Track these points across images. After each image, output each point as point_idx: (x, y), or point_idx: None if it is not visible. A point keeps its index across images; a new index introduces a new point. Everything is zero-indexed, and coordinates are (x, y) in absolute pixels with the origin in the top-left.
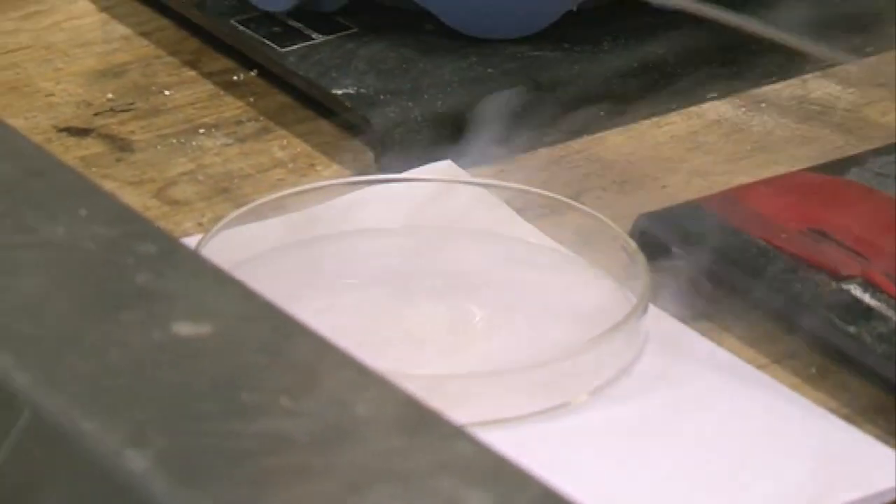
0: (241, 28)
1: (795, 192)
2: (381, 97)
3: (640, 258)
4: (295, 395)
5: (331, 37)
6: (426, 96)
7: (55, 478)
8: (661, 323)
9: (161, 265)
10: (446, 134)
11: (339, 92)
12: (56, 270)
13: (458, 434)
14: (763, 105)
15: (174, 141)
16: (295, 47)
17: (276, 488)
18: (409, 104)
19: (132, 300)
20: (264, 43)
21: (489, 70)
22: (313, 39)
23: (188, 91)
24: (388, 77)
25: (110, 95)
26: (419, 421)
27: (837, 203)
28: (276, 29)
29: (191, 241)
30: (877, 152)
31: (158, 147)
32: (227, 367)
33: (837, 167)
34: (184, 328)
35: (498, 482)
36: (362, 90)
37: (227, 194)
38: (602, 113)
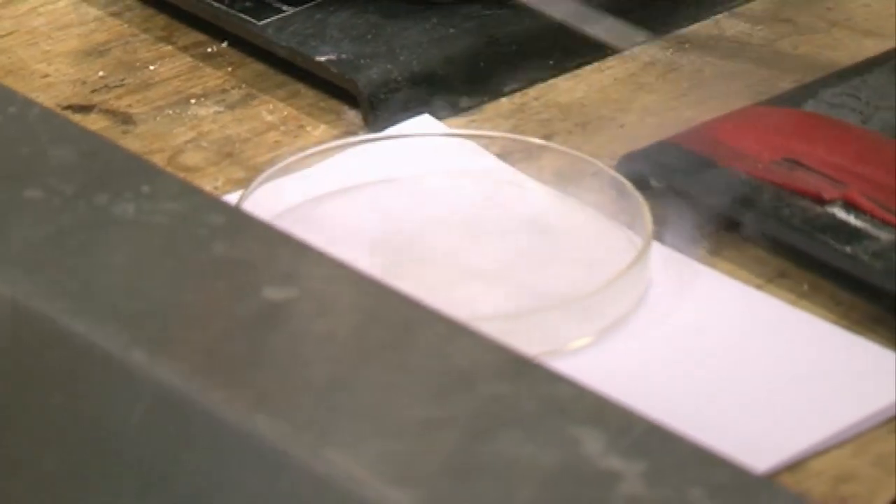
0: (215, 5)
1: (762, 125)
2: (362, 61)
3: (639, 198)
4: (399, 352)
5: (300, 8)
6: (401, 58)
7: (183, 449)
8: (659, 253)
9: (233, 234)
10: (422, 90)
11: (323, 59)
12: (138, 247)
13: (552, 376)
14: (686, 46)
15: (170, 112)
16: (271, 19)
17: (404, 438)
18: (388, 66)
19: (217, 269)
20: (241, 17)
21: (451, 30)
22: (284, 11)
23: (170, 65)
24: (362, 42)
25: (101, 73)
26: (515, 365)
27: (804, 133)
28: (248, 3)
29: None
30: (822, 84)
31: (158, 118)
32: (325, 329)
33: (793, 99)
34: (273, 293)
35: (605, 419)
36: (343, 56)
37: (232, 158)
38: (551, 62)
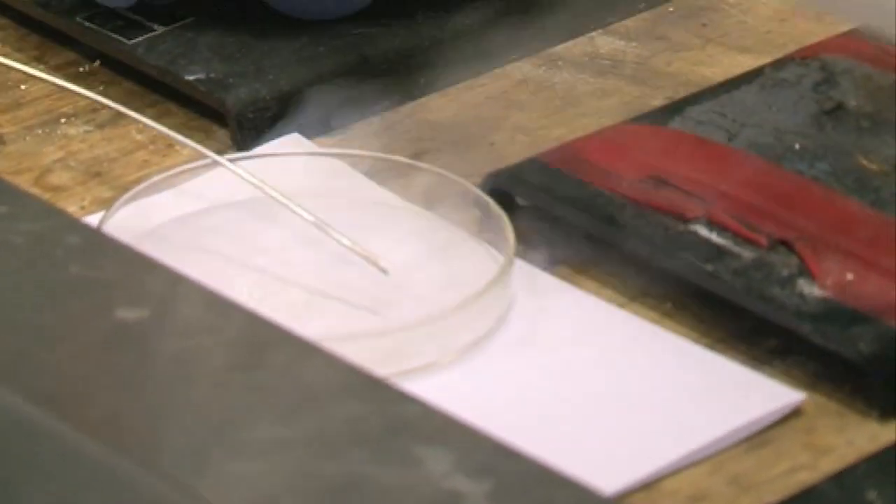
0: (87, 24)
1: (628, 143)
2: (230, 80)
3: (501, 214)
4: (247, 370)
5: (171, 27)
6: (270, 77)
7: (30, 472)
8: (522, 272)
9: (89, 255)
10: (291, 109)
11: (192, 77)
12: None
13: (402, 396)
14: (560, 63)
15: (40, 131)
16: (141, 39)
17: (250, 458)
18: (257, 85)
19: (73, 290)
20: (111, 37)
21: (320, 48)
22: (155, 30)
23: (41, 84)
24: (231, 61)
25: None
26: (365, 385)
27: (669, 151)
28: (120, 23)
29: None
30: (690, 101)
31: (27, 138)
32: (177, 349)
33: (659, 117)
34: (126, 313)
35: (451, 439)
36: (212, 75)
37: (100, 177)
38: (422, 80)
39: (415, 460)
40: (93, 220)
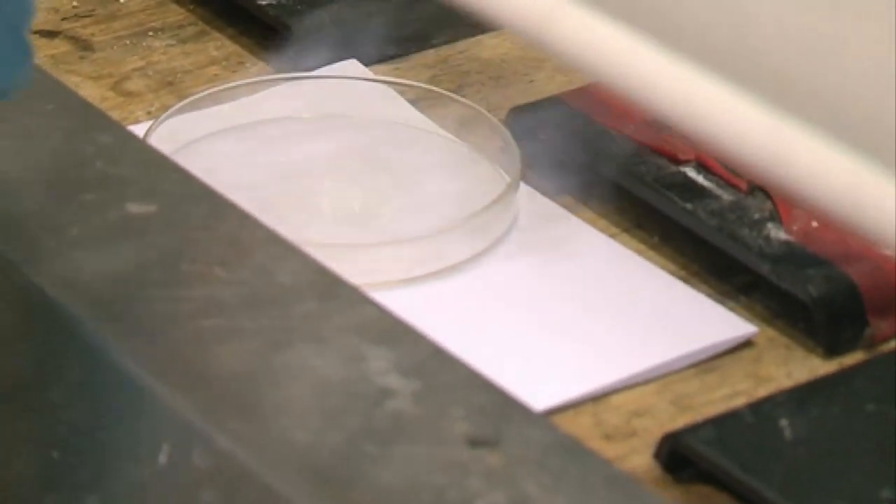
0: None
1: None
2: (298, 6)
3: (513, 144)
4: (227, 266)
5: None
6: (334, 5)
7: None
8: (530, 198)
9: (116, 153)
10: (352, 37)
11: (264, 2)
12: (28, 157)
13: (363, 299)
14: None
15: (127, 42)
16: None
17: (211, 345)
18: (322, 12)
19: (91, 183)
20: None
21: None
22: None
23: (138, 0)
24: None
25: (75, 3)
26: (331, 288)
27: None
28: None
29: (140, 129)
30: None
31: (114, 47)
32: (170, 241)
33: None
34: (134, 207)
35: (397, 341)
36: (282, 1)
37: (171, 87)
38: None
39: (358, 357)
40: (142, 128)
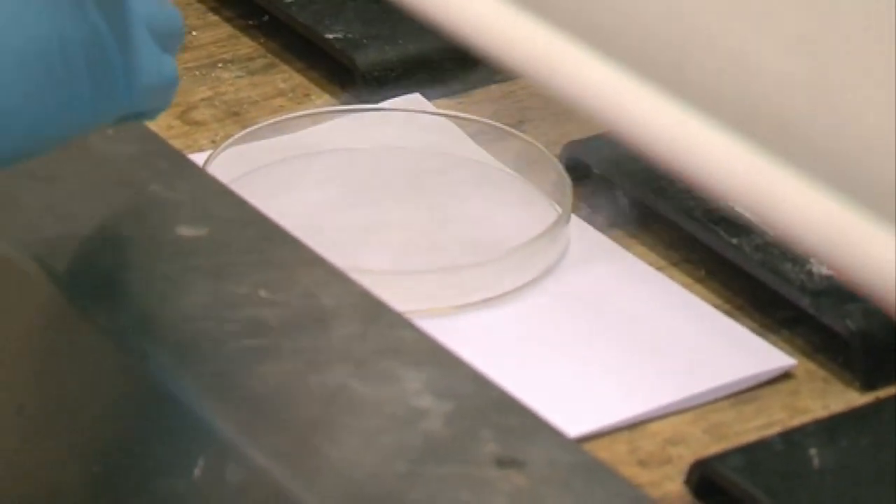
0: None
1: None
2: (364, 41)
3: (566, 177)
4: (272, 288)
5: None
6: (400, 41)
7: (74, 355)
8: (582, 231)
9: (171, 178)
10: (417, 72)
11: (331, 36)
12: (88, 179)
13: (402, 323)
14: None
15: (197, 73)
16: None
17: (252, 365)
18: (387, 47)
19: (145, 206)
20: None
21: None
22: None
23: (211, 32)
24: (370, 24)
25: None
26: (372, 311)
27: None
28: None
29: (202, 157)
30: None
31: (184, 77)
32: (218, 263)
33: None
34: (185, 230)
35: (433, 364)
36: (349, 35)
37: (237, 117)
38: None
39: (393, 378)
40: (203, 157)
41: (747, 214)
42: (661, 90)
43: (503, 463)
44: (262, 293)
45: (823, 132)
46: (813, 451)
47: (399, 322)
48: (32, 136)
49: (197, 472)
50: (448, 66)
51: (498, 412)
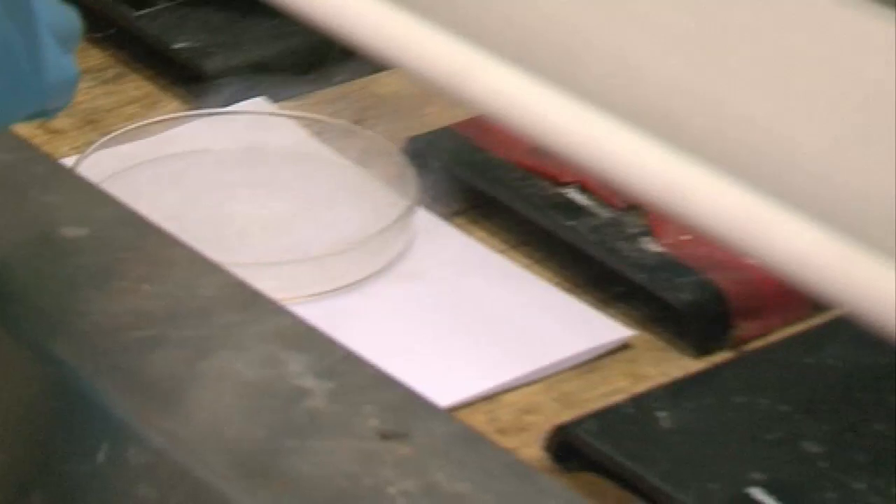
0: None
1: None
2: (210, 49)
3: (410, 170)
4: (154, 282)
5: (171, 3)
6: (244, 48)
7: None
8: (427, 220)
9: (48, 182)
10: (261, 76)
11: (178, 46)
12: None
13: (278, 310)
14: None
15: None
16: (145, 11)
17: (143, 354)
18: (231, 54)
19: (27, 210)
20: (120, 7)
21: (290, 28)
22: (158, 5)
23: None
24: (214, 33)
25: None
26: (248, 300)
27: None
28: None
29: (69, 163)
30: None
31: None
32: (101, 261)
33: None
34: (68, 231)
35: (311, 347)
36: (195, 44)
37: (94, 124)
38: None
39: (276, 362)
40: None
41: (581, 198)
42: (550, 84)
43: (386, 435)
44: (146, 287)
45: (705, 124)
46: (661, 414)
47: (275, 309)
48: None
49: (101, 456)
50: (290, 70)
51: (376, 389)
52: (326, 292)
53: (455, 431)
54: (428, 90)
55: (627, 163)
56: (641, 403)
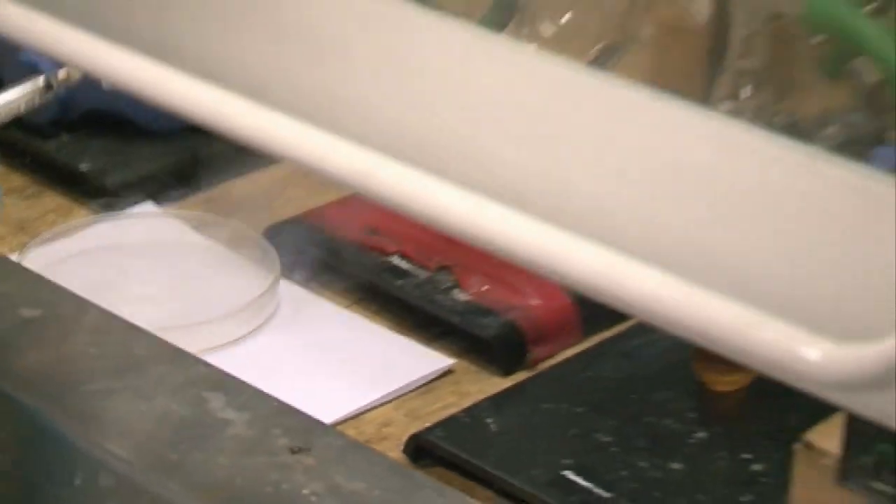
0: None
1: (355, 207)
2: (107, 168)
3: (272, 251)
4: (98, 345)
5: (74, 133)
6: (135, 165)
7: None
8: (288, 289)
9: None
10: (148, 186)
11: (84, 167)
12: None
13: (196, 360)
14: None
15: None
16: (53, 141)
17: (98, 401)
18: (125, 171)
19: None
20: (34, 141)
21: (170, 148)
22: (62, 136)
23: None
24: (111, 155)
25: None
26: (173, 354)
27: (379, 212)
28: (42, 132)
29: (14, 258)
30: None
31: None
32: (54, 333)
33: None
34: (25, 312)
35: (226, 387)
36: (96, 165)
37: (23, 230)
38: (233, 169)
39: (202, 400)
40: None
41: (403, 263)
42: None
43: (294, 451)
44: (92, 350)
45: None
46: (488, 420)
47: (194, 360)
48: None
49: (77, 481)
50: (170, 180)
51: (281, 415)
52: (211, 349)
53: (345, 444)
54: (276, 188)
55: (499, 232)
56: (473, 413)
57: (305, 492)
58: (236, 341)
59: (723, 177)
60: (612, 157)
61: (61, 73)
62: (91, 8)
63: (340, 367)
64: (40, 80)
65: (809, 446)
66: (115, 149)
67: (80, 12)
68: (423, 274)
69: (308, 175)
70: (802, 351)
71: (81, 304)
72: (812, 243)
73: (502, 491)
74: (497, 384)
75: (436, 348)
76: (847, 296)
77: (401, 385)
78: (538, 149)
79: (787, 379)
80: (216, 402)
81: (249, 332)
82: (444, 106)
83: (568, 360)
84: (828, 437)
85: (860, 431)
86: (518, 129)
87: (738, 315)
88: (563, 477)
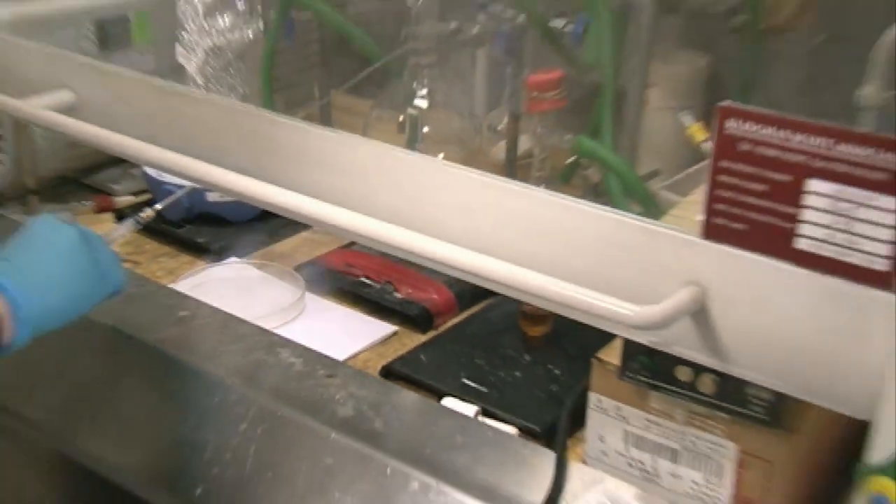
0: (161, 224)
1: (339, 255)
2: (213, 241)
3: (300, 279)
4: (218, 326)
5: (195, 223)
6: (227, 239)
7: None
8: (311, 298)
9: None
10: (235, 249)
11: (200, 241)
12: None
13: (272, 333)
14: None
15: (127, 264)
16: (184, 228)
17: (223, 360)
18: (222, 242)
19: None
20: (170, 227)
21: (243, 229)
22: (188, 226)
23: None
24: (214, 234)
25: None
26: (258, 331)
27: (356, 256)
28: (174, 222)
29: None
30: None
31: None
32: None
33: (351, 245)
34: (181, 313)
35: (289, 346)
36: (207, 240)
37: (171, 273)
38: (276, 238)
39: (276, 353)
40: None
41: (367, 281)
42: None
43: (328, 376)
44: (214, 329)
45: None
46: (422, 356)
47: (270, 333)
48: (69, 319)
49: (211, 400)
50: (245, 245)
51: (318, 359)
52: (276, 327)
53: (352, 371)
54: (299, 246)
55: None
56: (412, 354)
57: (337, 396)
58: (284, 325)
59: (555, 223)
60: (503, 218)
61: (147, 211)
62: (213, 153)
63: (341, 334)
64: (180, 193)
65: (600, 360)
66: (215, 231)
67: (207, 158)
68: (377, 286)
69: (314, 239)
70: (622, 311)
71: (207, 307)
72: (613, 257)
73: (432, 390)
74: (421, 339)
75: (388, 322)
76: (642, 281)
77: (373, 340)
78: (466, 218)
79: (612, 328)
80: (284, 353)
81: (290, 320)
82: (415, 198)
83: (455, 325)
84: (611, 354)
85: (630, 350)
86: (455, 208)
87: (587, 294)
88: (463, 382)
